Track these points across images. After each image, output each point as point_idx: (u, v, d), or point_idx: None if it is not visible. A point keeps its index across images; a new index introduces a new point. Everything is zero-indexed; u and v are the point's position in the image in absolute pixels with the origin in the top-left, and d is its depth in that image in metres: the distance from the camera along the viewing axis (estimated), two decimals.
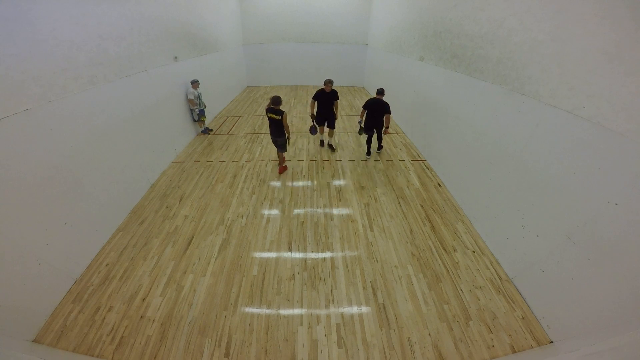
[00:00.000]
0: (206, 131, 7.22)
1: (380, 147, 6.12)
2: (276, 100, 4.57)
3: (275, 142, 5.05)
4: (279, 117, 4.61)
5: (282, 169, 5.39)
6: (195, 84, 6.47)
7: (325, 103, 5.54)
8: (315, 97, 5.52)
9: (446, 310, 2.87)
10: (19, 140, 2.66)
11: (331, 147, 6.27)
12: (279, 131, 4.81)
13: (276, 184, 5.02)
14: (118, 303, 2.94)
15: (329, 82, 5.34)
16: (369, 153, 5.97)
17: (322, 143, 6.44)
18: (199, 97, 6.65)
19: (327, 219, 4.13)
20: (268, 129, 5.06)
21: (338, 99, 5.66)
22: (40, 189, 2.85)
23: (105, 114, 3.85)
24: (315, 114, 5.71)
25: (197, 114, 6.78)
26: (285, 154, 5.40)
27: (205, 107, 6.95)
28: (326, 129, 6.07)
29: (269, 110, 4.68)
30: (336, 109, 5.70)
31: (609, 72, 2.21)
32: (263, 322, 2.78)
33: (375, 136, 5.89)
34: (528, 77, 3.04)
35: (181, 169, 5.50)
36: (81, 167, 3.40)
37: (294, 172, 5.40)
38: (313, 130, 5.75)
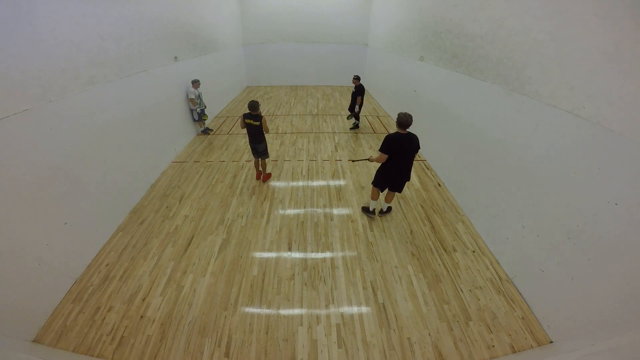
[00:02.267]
0: (206, 131, 7.21)
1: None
2: (254, 105, 4.32)
3: (255, 150, 4.72)
4: (258, 123, 4.38)
5: (267, 176, 5.14)
6: (195, 83, 6.46)
7: (407, 155, 3.42)
8: (389, 147, 3.32)
9: (446, 310, 2.87)
10: (19, 140, 2.66)
11: (384, 210, 4.18)
12: (259, 137, 4.56)
13: (276, 184, 5.02)
14: (118, 303, 2.94)
15: (410, 118, 3.23)
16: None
17: (372, 211, 4.13)
18: (199, 96, 6.63)
19: (327, 219, 4.13)
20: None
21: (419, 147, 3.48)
22: (40, 189, 2.85)
23: (105, 114, 3.85)
24: (382, 172, 3.66)
25: (198, 113, 6.76)
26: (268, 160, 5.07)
27: (205, 107, 6.95)
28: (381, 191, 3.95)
29: (246, 116, 4.39)
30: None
31: (609, 72, 2.21)
32: (263, 322, 2.78)
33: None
34: (528, 77, 3.04)
35: (181, 169, 5.50)
36: (81, 167, 3.39)
37: (294, 172, 5.40)
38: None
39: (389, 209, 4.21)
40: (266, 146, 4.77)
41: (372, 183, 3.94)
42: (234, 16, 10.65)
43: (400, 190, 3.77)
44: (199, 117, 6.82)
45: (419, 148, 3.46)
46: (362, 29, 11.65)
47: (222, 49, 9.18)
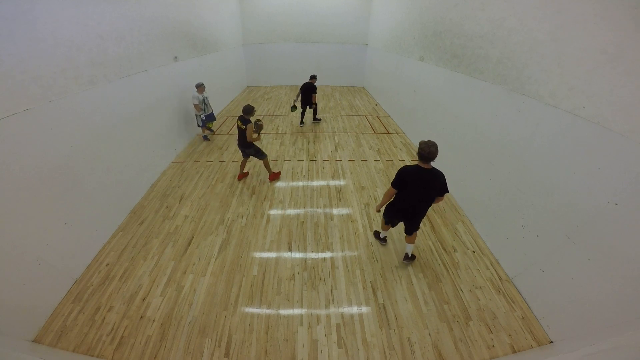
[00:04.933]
0: (206, 138, 6.74)
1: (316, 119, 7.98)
2: (247, 110, 4.39)
3: (243, 152, 4.78)
4: (243, 127, 4.39)
5: (273, 175, 5.03)
6: (200, 87, 5.99)
7: (425, 195, 2.77)
8: (400, 181, 2.77)
9: (446, 310, 2.87)
10: (19, 140, 2.66)
11: (409, 256, 3.37)
12: (243, 141, 4.56)
13: (276, 184, 5.02)
14: (118, 303, 2.94)
15: (434, 149, 2.57)
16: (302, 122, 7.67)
17: (383, 238, 3.66)
18: (204, 101, 6.13)
19: (327, 219, 4.13)
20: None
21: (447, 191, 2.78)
22: (40, 189, 2.85)
23: (105, 114, 3.85)
24: (391, 205, 3.09)
25: (202, 120, 6.24)
26: (267, 158, 4.96)
27: (212, 111, 6.50)
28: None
29: (239, 118, 4.52)
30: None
31: (609, 72, 2.21)
32: (263, 322, 2.78)
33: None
34: (528, 77, 3.04)
35: (181, 169, 5.49)
36: (81, 167, 3.39)
37: (294, 172, 5.40)
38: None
39: (413, 256, 3.38)
40: (256, 150, 4.68)
41: (382, 215, 3.36)
42: (234, 16, 10.64)
43: (410, 231, 3.14)
44: (203, 123, 6.29)
45: (444, 191, 2.71)
46: (362, 29, 11.65)
47: (222, 49, 9.17)
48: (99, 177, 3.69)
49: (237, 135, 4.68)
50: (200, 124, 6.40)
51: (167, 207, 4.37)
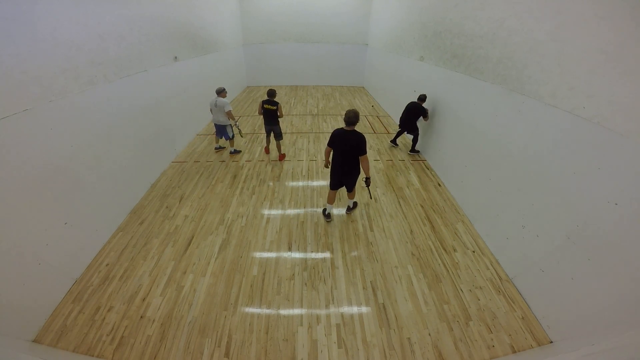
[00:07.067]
0: (235, 152, 6.08)
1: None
2: (273, 93, 5.19)
3: (272, 131, 5.49)
4: (274, 108, 5.15)
5: (282, 156, 5.85)
6: (223, 92, 5.34)
7: (345, 153, 3.50)
8: (330, 141, 3.55)
9: (446, 310, 2.87)
10: (19, 141, 2.66)
11: (350, 208, 4.22)
12: (275, 120, 5.30)
13: (276, 183, 5.02)
14: (118, 303, 2.94)
15: (351, 114, 3.26)
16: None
17: (328, 215, 4.08)
18: None
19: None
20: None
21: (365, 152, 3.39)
22: (40, 189, 2.85)
23: (105, 114, 3.85)
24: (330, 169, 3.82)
25: (239, 128, 5.61)
26: (283, 149, 5.92)
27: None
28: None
29: (265, 102, 5.18)
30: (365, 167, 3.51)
31: (609, 72, 2.21)
32: (263, 322, 2.78)
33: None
34: (528, 77, 3.04)
35: (181, 169, 5.49)
36: (81, 167, 3.39)
37: (294, 172, 5.40)
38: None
39: (355, 204, 4.30)
40: (280, 129, 5.51)
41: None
42: (234, 16, 10.64)
43: (348, 189, 3.92)
44: (240, 131, 5.71)
45: (360, 150, 3.32)
46: (362, 29, 11.66)
47: (222, 49, 9.17)
48: (99, 177, 3.68)
49: (265, 118, 5.33)
50: (231, 135, 5.69)
51: (167, 207, 4.37)
